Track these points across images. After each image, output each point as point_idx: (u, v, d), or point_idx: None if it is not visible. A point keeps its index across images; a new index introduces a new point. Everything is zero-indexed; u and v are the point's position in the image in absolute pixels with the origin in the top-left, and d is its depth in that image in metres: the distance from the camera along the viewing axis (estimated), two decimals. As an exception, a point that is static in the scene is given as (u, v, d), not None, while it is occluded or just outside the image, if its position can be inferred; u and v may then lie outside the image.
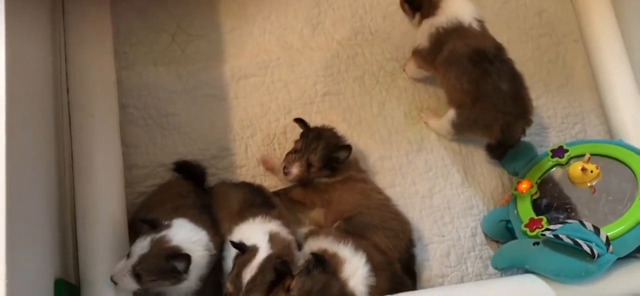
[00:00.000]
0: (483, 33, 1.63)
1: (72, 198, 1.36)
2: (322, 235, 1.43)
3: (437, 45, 1.61)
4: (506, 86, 1.57)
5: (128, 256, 1.24)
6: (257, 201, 1.45)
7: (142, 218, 1.31)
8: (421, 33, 1.65)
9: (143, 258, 1.22)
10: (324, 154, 1.52)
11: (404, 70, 1.79)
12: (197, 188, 1.50)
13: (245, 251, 1.28)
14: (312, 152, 1.52)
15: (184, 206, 1.39)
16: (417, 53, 1.69)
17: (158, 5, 1.69)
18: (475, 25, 1.62)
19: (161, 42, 1.67)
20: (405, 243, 1.53)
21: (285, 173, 1.51)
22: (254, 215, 1.38)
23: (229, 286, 1.27)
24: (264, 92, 1.69)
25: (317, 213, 1.57)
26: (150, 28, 1.67)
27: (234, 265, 1.29)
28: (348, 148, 1.54)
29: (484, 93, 1.57)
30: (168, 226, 1.27)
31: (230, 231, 1.37)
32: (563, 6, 1.98)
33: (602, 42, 1.88)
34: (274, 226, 1.36)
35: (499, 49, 1.62)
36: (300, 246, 1.43)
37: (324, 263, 1.28)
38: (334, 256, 1.33)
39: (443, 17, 1.61)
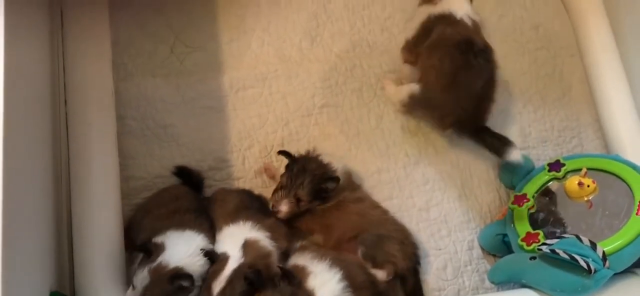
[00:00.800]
0: (475, 29, 1.68)
1: (68, 210, 1.35)
2: (306, 252, 1.42)
3: (427, 31, 1.68)
4: (479, 86, 1.62)
5: (133, 287, 1.23)
6: (253, 206, 1.45)
7: (133, 247, 1.32)
8: (414, 21, 1.71)
9: (147, 289, 1.22)
10: (311, 188, 1.48)
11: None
12: (193, 192, 1.50)
13: (214, 260, 1.26)
14: (299, 187, 1.47)
15: (179, 210, 1.39)
16: (404, 46, 1.74)
17: (157, 16, 1.69)
18: (467, 20, 1.67)
19: (159, 53, 1.67)
20: (411, 249, 1.54)
21: (275, 212, 1.46)
22: (245, 218, 1.37)
23: None
24: (262, 103, 1.69)
25: (318, 238, 1.54)
26: (149, 39, 1.67)
27: (206, 275, 1.28)
28: (336, 179, 1.51)
29: (458, 83, 1.61)
30: (161, 248, 1.26)
31: (220, 230, 1.37)
32: (560, 20, 2.00)
33: (599, 56, 1.89)
34: (255, 233, 1.34)
35: (488, 48, 1.66)
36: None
37: (290, 276, 1.27)
38: (302, 269, 1.33)
39: (439, 8, 1.68)
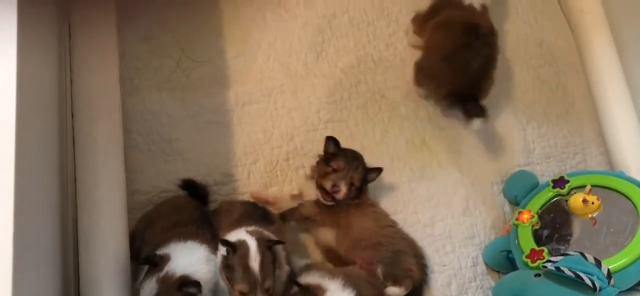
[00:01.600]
0: (482, 13, 1.78)
1: (75, 223, 1.35)
2: (315, 270, 1.43)
3: (436, 11, 1.82)
4: (475, 66, 1.71)
5: None
6: (256, 215, 1.45)
7: (138, 259, 1.32)
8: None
9: None
10: (363, 174, 1.54)
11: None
12: (196, 203, 1.50)
13: (236, 248, 1.26)
14: (354, 171, 1.52)
15: (181, 222, 1.39)
16: (414, 18, 1.88)
17: (163, 30, 1.70)
18: (475, 4, 1.77)
19: (166, 67, 1.67)
20: (421, 261, 1.56)
21: (334, 192, 1.50)
22: (248, 225, 1.37)
23: (242, 288, 1.24)
24: (267, 118, 1.69)
25: (325, 234, 1.56)
26: (155, 53, 1.68)
27: (229, 267, 1.26)
28: (380, 169, 1.59)
29: (457, 59, 1.71)
30: (166, 259, 1.26)
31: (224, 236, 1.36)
32: (563, 37, 2.01)
33: (602, 73, 1.90)
34: (250, 228, 1.35)
35: (491, 32, 1.75)
36: (295, 277, 1.41)
37: (307, 293, 1.30)
38: (318, 287, 1.34)
39: None
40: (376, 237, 1.52)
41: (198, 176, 1.57)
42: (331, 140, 1.57)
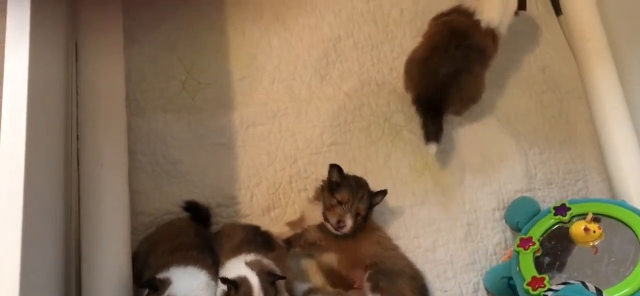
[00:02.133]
0: (484, 31, 1.74)
1: (78, 246, 1.35)
2: (320, 294, 1.44)
3: (446, 13, 1.81)
4: (444, 73, 1.70)
5: None
6: (257, 241, 1.45)
7: (139, 283, 1.32)
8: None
9: None
10: (368, 201, 1.54)
11: None
12: (198, 227, 1.50)
13: (238, 286, 1.26)
14: (359, 201, 1.52)
15: (182, 246, 1.39)
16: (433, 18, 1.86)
17: (169, 51, 1.71)
18: (483, 23, 1.74)
19: (171, 88, 1.68)
20: (420, 283, 1.56)
21: (340, 227, 1.49)
22: (248, 251, 1.38)
23: None
24: (271, 141, 1.70)
25: (328, 257, 1.56)
26: (161, 74, 1.68)
27: None
28: (384, 192, 1.58)
29: (430, 61, 1.71)
30: (168, 283, 1.26)
31: (223, 265, 1.37)
32: (566, 63, 2.02)
33: (604, 100, 1.90)
34: (248, 257, 1.35)
35: (477, 50, 1.73)
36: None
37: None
38: None
39: (470, 2, 1.79)
40: (379, 256, 1.53)
41: (201, 198, 1.57)
42: (335, 168, 1.55)
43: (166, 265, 1.32)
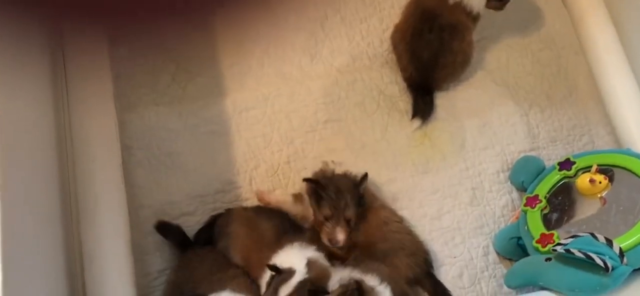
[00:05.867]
0: (451, 6, 1.71)
1: (80, 245, 1.36)
2: (343, 266, 1.42)
3: None
4: (426, 58, 1.71)
5: None
6: (290, 228, 1.47)
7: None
8: None
9: None
10: (354, 203, 1.47)
11: None
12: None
13: (282, 273, 1.29)
14: (345, 208, 1.45)
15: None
16: None
17: (157, 48, 1.71)
18: (465, 3, 1.71)
19: (161, 82, 1.68)
20: (422, 258, 1.53)
21: (334, 245, 1.44)
22: (290, 241, 1.39)
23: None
24: (265, 123, 1.69)
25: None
26: (150, 70, 1.68)
27: (270, 285, 1.30)
28: (365, 176, 1.51)
29: (410, 44, 1.73)
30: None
31: (268, 259, 1.36)
32: (561, 19, 1.99)
33: (601, 51, 1.87)
34: (311, 252, 1.37)
35: (449, 29, 1.70)
36: None
37: (362, 291, 1.28)
38: (365, 286, 1.33)
39: None
40: (383, 236, 1.51)
41: (199, 186, 1.57)
42: (310, 183, 1.49)
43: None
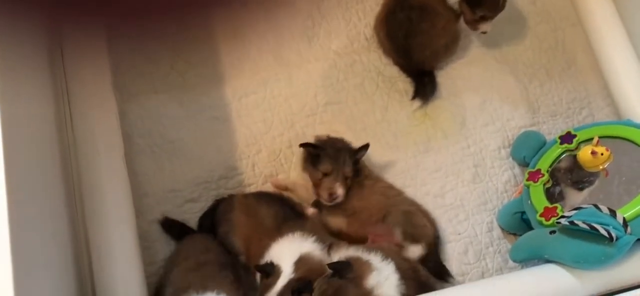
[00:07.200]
0: None
1: (86, 237, 1.36)
2: (344, 247, 1.42)
3: None
4: (400, 38, 1.72)
5: None
6: (291, 214, 1.47)
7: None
8: None
9: None
10: (353, 160, 1.53)
11: None
12: (218, 244, 1.47)
13: (269, 274, 1.29)
14: (343, 165, 1.51)
15: (205, 262, 1.38)
16: None
17: (155, 39, 1.70)
18: None
19: (161, 71, 1.68)
20: (431, 216, 1.59)
21: (333, 199, 1.49)
22: (291, 229, 1.39)
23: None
24: (265, 108, 1.69)
25: (337, 222, 1.55)
26: (149, 60, 1.68)
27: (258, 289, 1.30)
28: (366, 146, 1.56)
29: (389, 26, 1.73)
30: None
31: (268, 247, 1.38)
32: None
33: (598, 22, 1.86)
34: (307, 244, 1.36)
35: (420, 7, 1.71)
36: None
37: (343, 269, 1.27)
38: (361, 262, 1.32)
39: None
40: (386, 207, 1.52)
41: (202, 173, 1.58)
42: (308, 146, 1.53)
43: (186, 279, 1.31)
